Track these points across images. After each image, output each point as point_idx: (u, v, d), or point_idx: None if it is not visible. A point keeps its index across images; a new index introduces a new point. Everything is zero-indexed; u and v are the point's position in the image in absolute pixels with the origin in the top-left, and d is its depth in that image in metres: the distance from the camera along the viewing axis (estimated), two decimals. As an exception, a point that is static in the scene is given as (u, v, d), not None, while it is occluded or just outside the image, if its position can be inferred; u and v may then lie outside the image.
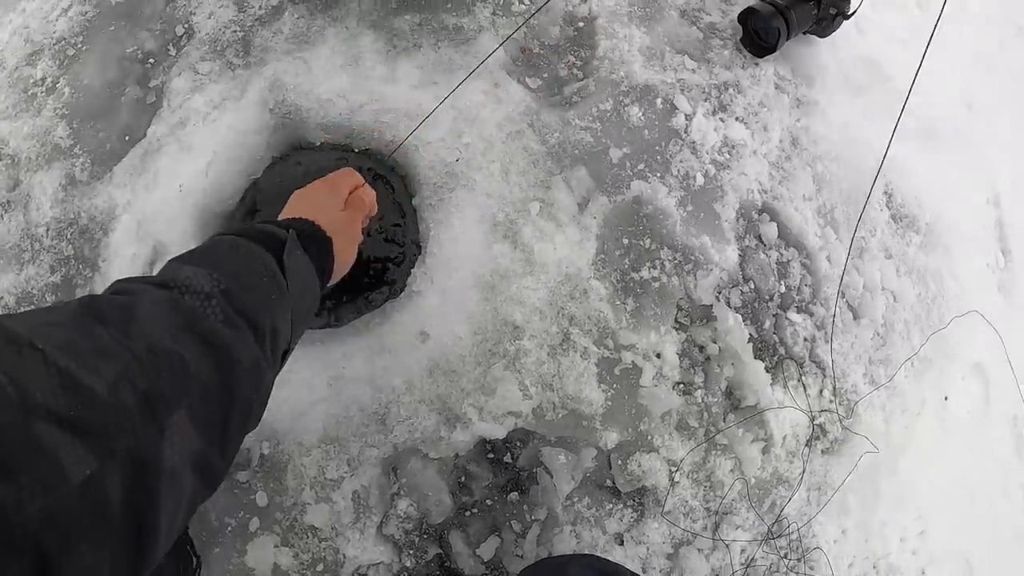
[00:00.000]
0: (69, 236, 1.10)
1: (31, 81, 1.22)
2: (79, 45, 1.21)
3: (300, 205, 0.65)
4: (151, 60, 1.17)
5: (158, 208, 1.03)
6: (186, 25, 1.18)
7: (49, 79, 1.21)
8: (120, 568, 0.33)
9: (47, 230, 1.11)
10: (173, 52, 1.16)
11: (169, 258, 0.49)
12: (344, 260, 0.64)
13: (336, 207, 0.66)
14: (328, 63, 1.05)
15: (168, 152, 1.06)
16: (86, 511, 0.31)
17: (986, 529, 1.25)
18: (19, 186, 1.17)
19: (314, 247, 0.59)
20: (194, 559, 0.90)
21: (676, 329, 0.99)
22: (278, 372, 0.52)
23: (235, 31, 1.14)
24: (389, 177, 1.00)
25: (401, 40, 1.07)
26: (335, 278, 0.65)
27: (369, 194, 0.73)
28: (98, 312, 0.39)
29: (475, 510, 0.93)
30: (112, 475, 0.32)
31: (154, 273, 0.51)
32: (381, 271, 0.96)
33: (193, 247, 0.52)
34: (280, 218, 0.63)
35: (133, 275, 0.47)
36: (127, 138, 1.12)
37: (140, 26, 1.20)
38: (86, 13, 1.24)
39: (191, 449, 0.39)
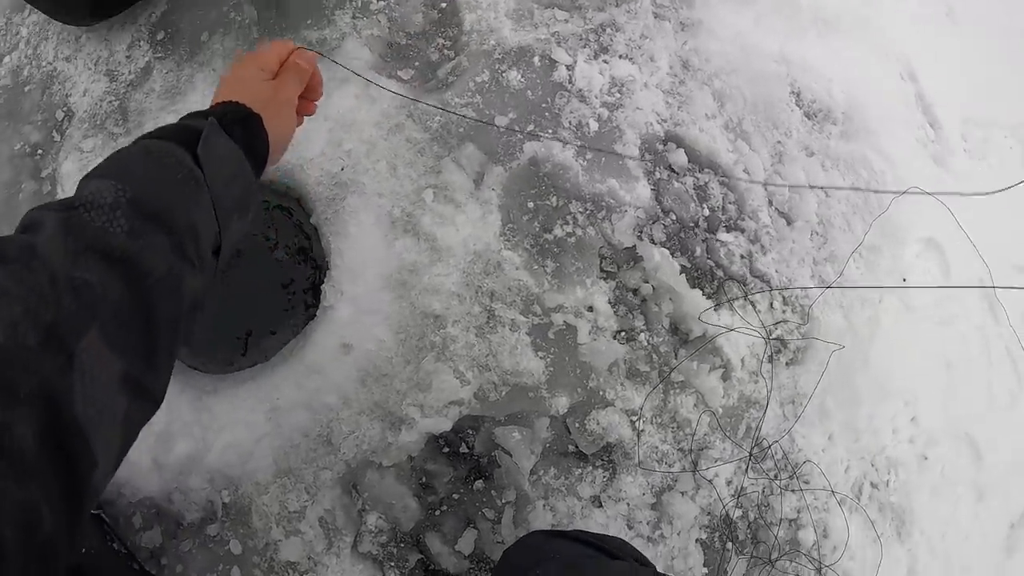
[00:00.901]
0: None
1: (-67, 201, 1.22)
2: (-29, 154, 1.22)
3: (225, 89, 0.59)
4: (39, 151, 1.17)
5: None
6: (64, 108, 1.18)
7: (-51, 193, 1.21)
8: (57, 498, 0.34)
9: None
10: (58, 138, 1.16)
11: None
12: (279, 134, 0.59)
13: (261, 77, 0.60)
14: (200, 107, 1.05)
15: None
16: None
17: (979, 399, 1.22)
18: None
19: (239, 128, 0.54)
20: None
21: (603, 279, 0.97)
22: (213, 273, 0.50)
23: (111, 101, 1.14)
24: (284, 203, 0.99)
25: (268, 66, 1.06)
26: (274, 155, 0.59)
27: (305, 56, 0.65)
28: (2, 254, 0.38)
29: (444, 507, 0.91)
30: (20, 420, 0.32)
31: None
32: (296, 295, 0.96)
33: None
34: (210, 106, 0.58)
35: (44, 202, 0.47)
36: (33, 231, 1.12)
37: (22, 121, 1.20)
38: (-29, 121, 1.24)
39: (112, 371, 0.38)
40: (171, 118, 1.06)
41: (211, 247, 0.49)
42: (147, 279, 0.42)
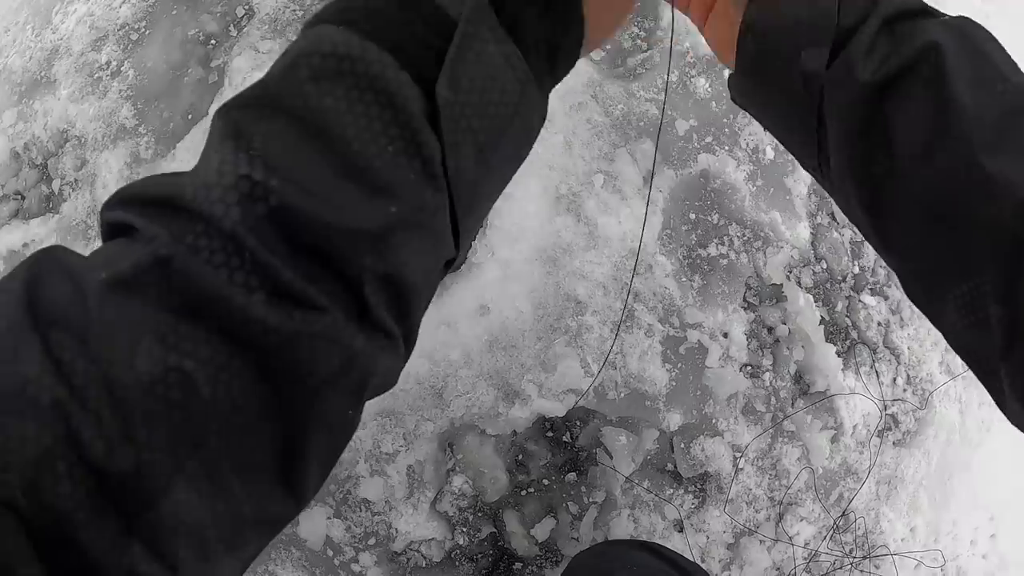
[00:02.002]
0: (133, 211, 1.12)
1: (96, 66, 1.25)
2: (142, 30, 1.24)
3: None
4: (212, 41, 1.19)
5: (219, 182, 1.04)
6: (246, 6, 1.19)
7: (114, 63, 1.24)
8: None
9: (112, 205, 1.14)
10: (234, 33, 1.18)
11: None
12: (607, 23, 0.34)
13: None
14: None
15: (229, 128, 1.07)
16: None
17: (1068, 534, 1.17)
18: (85, 165, 1.20)
19: (535, 8, 0.27)
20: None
21: (744, 308, 0.95)
22: (422, 314, 0.29)
23: (295, 10, 1.15)
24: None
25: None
26: (590, 48, 0.33)
27: None
28: (43, 307, 0.20)
29: (531, 489, 0.91)
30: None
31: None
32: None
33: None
34: None
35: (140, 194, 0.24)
36: (190, 117, 1.14)
37: (201, 9, 1.22)
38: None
39: (201, 532, 0.22)
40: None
41: (431, 281, 0.29)
42: (305, 381, 0.23)
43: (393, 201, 0.23)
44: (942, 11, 0.36)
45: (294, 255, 0.22)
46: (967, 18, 0.36)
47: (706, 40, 0.45)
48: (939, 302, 0.37)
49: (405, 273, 0.25)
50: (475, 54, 0.25)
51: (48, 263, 0.21)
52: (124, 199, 0.23)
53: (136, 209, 0.22)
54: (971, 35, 0.35)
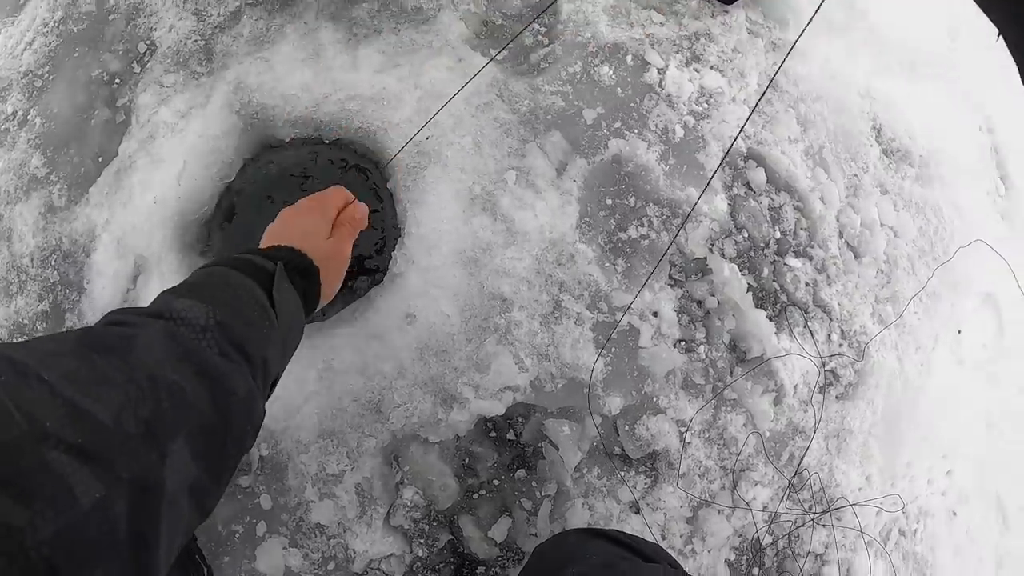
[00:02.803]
0: (53, 262, 1.09)
1: (2, 116, 1.22)
2: (46, 76, 1.21)
3: (287, 229, 0.64)
4: (117, 80, 1.17)
5: (135, 223, 1.02)
6: (148, 42, 1.17)
7: (20, 112, 1.21)
8: None
9: (31, 260, 1.11)
10: (137, 69, 1.16)
11: (162, 290, 0.50)
12: (330, 289, 0.64)
13: (324, 232, 0.65)
14: (289, 59, 1.04)
15: (140, 167, 1.05)
16: (95, 533, 0.32)
17: (1015, 464, 1.21)
18: (0, 220, 1.17)
19: (300, 278, 0.59)
20: (205, 569, 0.89)
21: (671, 286, 0.96)
22: (267, 400, 0.53)
23: (196, 40, 1.13)
24: (362, 164, 0.99)
25: (360, 28, 1.06)
26: (320, 304, 0.64)
27: (360, 210, 0.71)
28: (98, 343, 0.40)
29: (483, 492, 0.90)
30: (119, 499, 0.34)
31: (143, 300, 0.54)
32: (362, 259, 0.95)
33: (184, 279, 0.53)
34: (267, 242, 0.62)
35: (125, 306, 0.49)
36: (100, 159, 1.12)
37: (103, 49, 1.20)
38: (50, 44, 1.24)
39: (189, 476, 0.40)
40: (258, 65, 1.05)
41: (272, 379, 0.53)
42: (232, 398, 0.44)
43: (263, 330, 0.51)
44: None
45: (227, 341, 0.46)
46: None
47: None
48: None
49: (269, 361, 0.51)
50: (282, 286, 0.55)
51: (87, 329, 0.43)
52: (126, 312, 0.46)
53: (137, 316, 0.45)
54: None
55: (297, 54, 1.04)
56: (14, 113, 1.21)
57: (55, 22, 1.22)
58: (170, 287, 0.50)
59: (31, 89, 1.21)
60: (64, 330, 0.43)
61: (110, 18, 1.22)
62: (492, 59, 0.94)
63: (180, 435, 0.39)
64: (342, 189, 0.71)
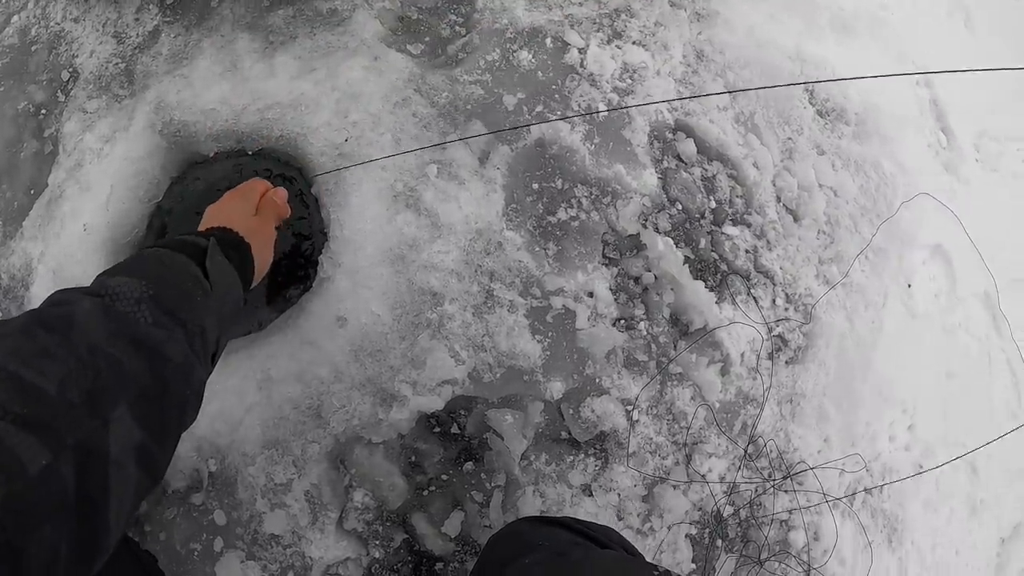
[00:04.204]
0: (-7, 299, 1.09)
1: (-65, 157, 1.21)
2: (-26, 112, 1.20)
3: (215, 217, 0.69)
4: (43, 111, 1.16)
5: (69, 252, 1.02)
6: (70, 69, 1.16)
7: (-49, 151, 1.20)
8: (75, 548, 0.37)
9: (-28, 297, 1.10)
10: (62, 98, 1.15)
11: (98, 273, 0.52)
12: (263, 260, 0.69)
13: (248, 213, 0.71)
14: (207, 74, 1.03)
15: (70, 196, 1.04)
16: (44, 497, 0.34)
17: (977, 410, 1.21)
18: (-60, 261, 1.16)
19: (233, 252, 0.63)
20: (162, 591, 0.89)
21: (605, 265, 0.96)
22: (209, 373, 0.56)
23: (117, 63, 1.12)
24: (287, 172, 0.98)
25: (276, 35, 1.05)
26: (256, 279, 0.68)
27: (279, 194, 0.77)
28: (41, 321, 0.43)
29: (432, 488, 0.90)
30: (66, 464, 0.36)
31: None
32: (293, 267, 0.94)
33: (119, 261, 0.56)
34: (202, 228, 0.67)
35: (66, 287, 0.50)
36: (32, 191, 1.11)
37: (27, 80, 1.19)
38: (-24, 79, 1.23)
39: (133, 440, 0.42)
40: (177, 82, 1.04)
41: (211, 350, 0.55)
42: (167, 364, 0.47)
43: (197, 299, 0.53)
44: None
45: (161, 311, 0.49)
46: None
47: None
48: None
49: (206, 328, 0.54)
50: (216, 258, 0.59)
51: (35, 310, 0.45)
52: (66, 291, 0.48)
53: (76, 294, 0.47)
54: None
55: (215, 68, 1.04)
56: (-54, 153, 1.20)
57: (-24, 57, 1.21)
58: (105, 269, 0.52)
59: (-40, 127, 1.20)
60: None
61: (32, 48, 1.21)
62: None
63: (121, 403, 0.41)
64: (260, 179, 0.78)
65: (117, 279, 0.49)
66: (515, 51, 1.01)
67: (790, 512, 1.06)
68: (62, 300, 0.47)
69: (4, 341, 0.40)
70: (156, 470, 0.45)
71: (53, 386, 0.38)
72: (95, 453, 0.38)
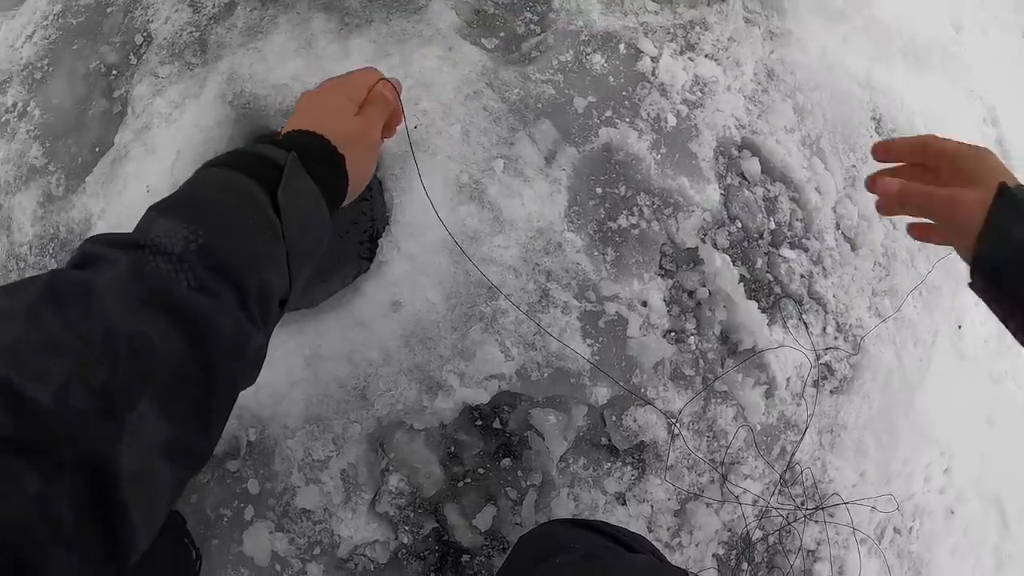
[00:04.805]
0: (51, 251, 1.11)
1: (3, 108, 1.24)
2: (46, 68, 1.23)
3: (307, 114, 0.54)
4: (114, 72, 1.18)
5: (130, 211, 1.03)
6: (144, 33, 1.18)
7: (20, 104, 1.23)
8: (93, 568, 0.33)
9: (30, 248, 1.13)
10: (134, 61, 1.17)
11: (151, 205, 0.42)
12: (360, 175, 0.54)
13: (349, 112, 0.55)
14: (282, 50, 1.05)
15: (134, 157, 1.06)
16: (40, 528, 0.30)
17: (1014, 463, 1.18)
18: (0, 210, 1.19)
19: (321, 166, 0.49)
20: (194, 552, 0.90)
21: (661, 276, 0.95)
22: (274, 326, 0.46)
23: (191, 32, 1.14)
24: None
25: (352, 18, 1.06)
26: (349, 197, 0.54)
27: (390, 88, 0.60)
28: (54, 294, 0.35)
29: (468, 480, 0.90)
30: (61, 491, 0.31)
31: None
32: (352, 246, 0.95)
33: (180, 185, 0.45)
34: (285, 129, 0.53)
35: (101, 233, 0.41)
36: (97, 149, 1.13)
37: (101, 41, 1.21)
38: (49, 36, 1.25)
39: (159, 439, 0.36)
40: (251, 55, 1.06)
41: (276, 301, 0.45)
42: (213, 339, 0.38)
43: (259, 246, 0.43)
44: None
45: (209, 269, 0.39)
46: None
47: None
48: None
49: (268, 285, 0.43)
50: (293, 183, 0.46)
51: (55, 273, 0.37)
52: (99, 241, 0.40)
53: (109, 247, 0.39)
54: None
55: (290, 44, 1.05)
56: (14, 105, 1.23)
57: (54, 15, 1.24)
58: (160, 200, 0.43)
59: (31, 81, 1.23)
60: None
61: (108, 11, 1.23)
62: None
63: (144, 397, 0.35)
64: (371, 68, 0.61)
65: (162, 223, 0.40)
66: (588, 54, 1.01)
67: (818, 543, 1.04)
68: (89, 257, 0.39)
69: (6, 326, 0.33)
70: (195, 459, 0.39)
71: (51, 394, 0.31)
72: (101, 468, 0.32)
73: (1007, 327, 0.53)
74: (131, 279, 0.37)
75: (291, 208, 0.45)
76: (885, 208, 0.60)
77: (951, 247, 0.57)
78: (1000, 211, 0.50)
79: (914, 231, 0.63)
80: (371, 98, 0.58)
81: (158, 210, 0.42)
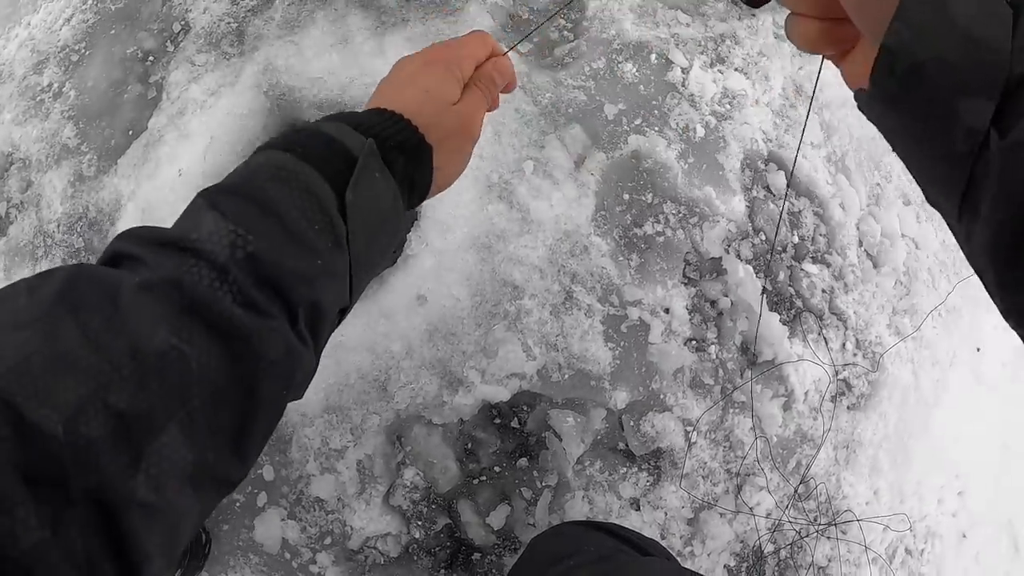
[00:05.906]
0: (79, 229, 1.12)
1: (39, 88, 1.26)
2: (82, 51, 1.25)
3: (397, 88, 0.43)
4: (151, 58, 1.20)
5: (160, 194, 1.05)
6: (182, 22, 1.20)
7: (56, 85, 1.25)
8: None
9: (58, 226, 1.14)
10: (171, 48, 1.19)
11: (201, 190, 0.36)
12: (449, 173, 0.45)
13: (449, 96, 0.43)
14: (318, 44, 1.06)
15: (168, 141, 1.08)
16: (51, 563, 0.27)
17: (1033, 487, 1.17)
18: (31, 187, 1.20)
19: (403, 159, 0.40)
20: (203, 536, 0.90)
21: (684, 284, 0.96)
22: (328, 338, 0.40)
23: (229, 23, 1.16)
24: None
25: (389, 16, 1.08)
26: (432, 195, 0.45)
27: (504, 65, 0.47)
28: (77, 297, 0.30)
29: (483, 478, 0.90)
30: (71, 526, 0.28)
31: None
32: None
33: (234, 168, 0.38)
34: (371, 102, 0.43)
35: (142, 226, 0.35)
36: (130, 132, 1.15)
37: (139, 27, 1.23)
38: (87, 20, 1.28)
39: (186, 465, 0.32)
40: (287, 48, 1.07)
41: (333, 314, 0.39)
42: (258, 362, 0.33)
43: (318, 256, 0.36)
44: None
45: (258, 283, 0.33)
46: None
47: (844, 77, 0.37)
48: None
49: (322, 303, 0.36)
50: (368, 179, 0.38)
51: (78, 269, 0.32)
52: (135, 238, 0.34)
53: (145, 247, 0.33)
54: None
55: (326, 39, 1.06)
56: (50, 85, 1.25)
57: (93, 0, 1.26)
58: (211, 186, 0.37)
59: (67, 63, 1.25)
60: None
61: (148, -2, 1.26)
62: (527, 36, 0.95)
63: (173, 421, 0.31)
64: (484, 35, 0.47)
65: (208, 220, 0.34)
66: (620, 62, 1.02)
67: (829, 560, 1.03)
68: (121, 255, 0.34)
69: (17, 337, 0.29)
70: (226, 486, 0.35)
71: (61, 421, 0.28)
72: (112, 503, 0.29)
73: (895, 151, 0.34)
74: (167, 286, 0.31)
75: (361, 211, 0.37)
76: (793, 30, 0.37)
77: (857, 63, 0.34)
78: None
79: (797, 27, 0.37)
80: (480, 74, 0.46)
81: (207, 198, 0.36)
